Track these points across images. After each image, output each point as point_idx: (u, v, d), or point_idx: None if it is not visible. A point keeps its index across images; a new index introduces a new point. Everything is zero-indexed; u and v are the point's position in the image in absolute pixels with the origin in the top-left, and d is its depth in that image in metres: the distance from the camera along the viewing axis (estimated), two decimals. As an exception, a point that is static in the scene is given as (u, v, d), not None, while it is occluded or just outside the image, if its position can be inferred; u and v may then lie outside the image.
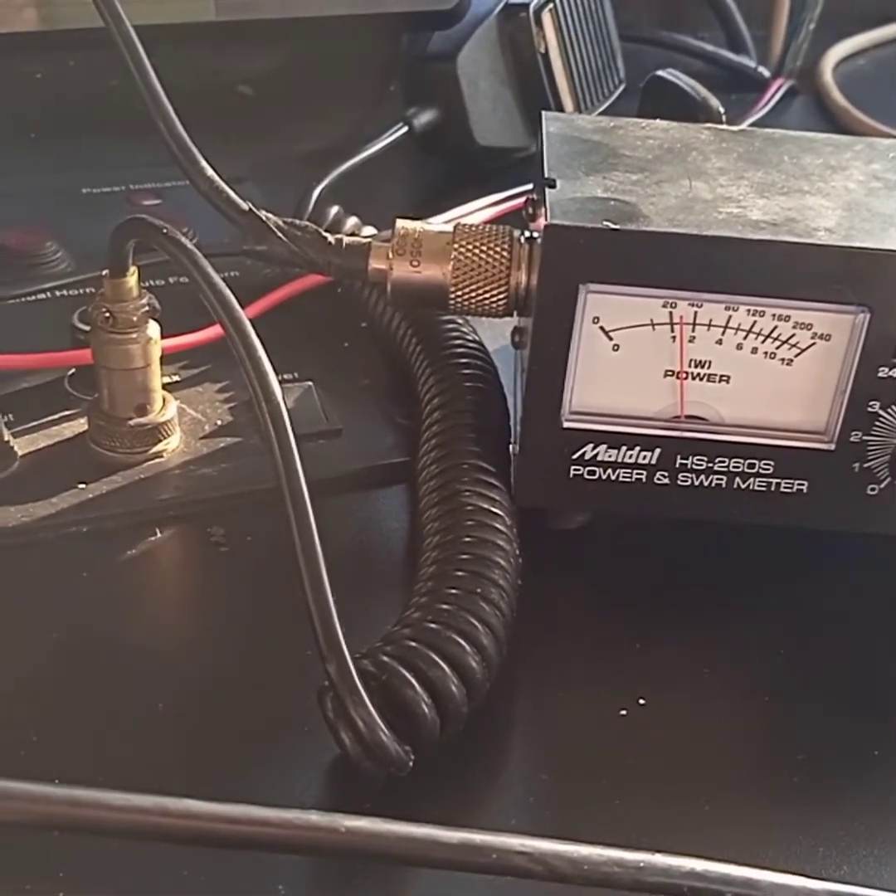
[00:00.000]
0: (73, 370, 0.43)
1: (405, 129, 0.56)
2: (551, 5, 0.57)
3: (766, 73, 0.70)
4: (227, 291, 0.34)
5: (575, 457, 0.36)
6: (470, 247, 0.37)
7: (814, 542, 0.39)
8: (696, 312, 0.34)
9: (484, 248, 0.37)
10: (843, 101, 0.69)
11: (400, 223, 0.38)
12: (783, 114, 0.68)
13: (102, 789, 0.23)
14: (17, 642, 0.34)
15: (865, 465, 0.36)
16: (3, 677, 0.33)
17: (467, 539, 0.34)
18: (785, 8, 0.70)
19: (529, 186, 0.45)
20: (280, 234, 0.39)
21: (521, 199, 0.48)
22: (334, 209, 0.49)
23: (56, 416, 0.42)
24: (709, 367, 0.35)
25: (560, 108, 0.58)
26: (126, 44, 0.41)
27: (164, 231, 0.36)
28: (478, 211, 0.51)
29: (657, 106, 0.50)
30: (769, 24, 0.71)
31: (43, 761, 0.31)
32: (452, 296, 0.37)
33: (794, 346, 0.34)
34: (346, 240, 0.39)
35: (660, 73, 0.52)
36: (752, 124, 0.63)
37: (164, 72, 0.41)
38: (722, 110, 0.50)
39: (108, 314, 0.39)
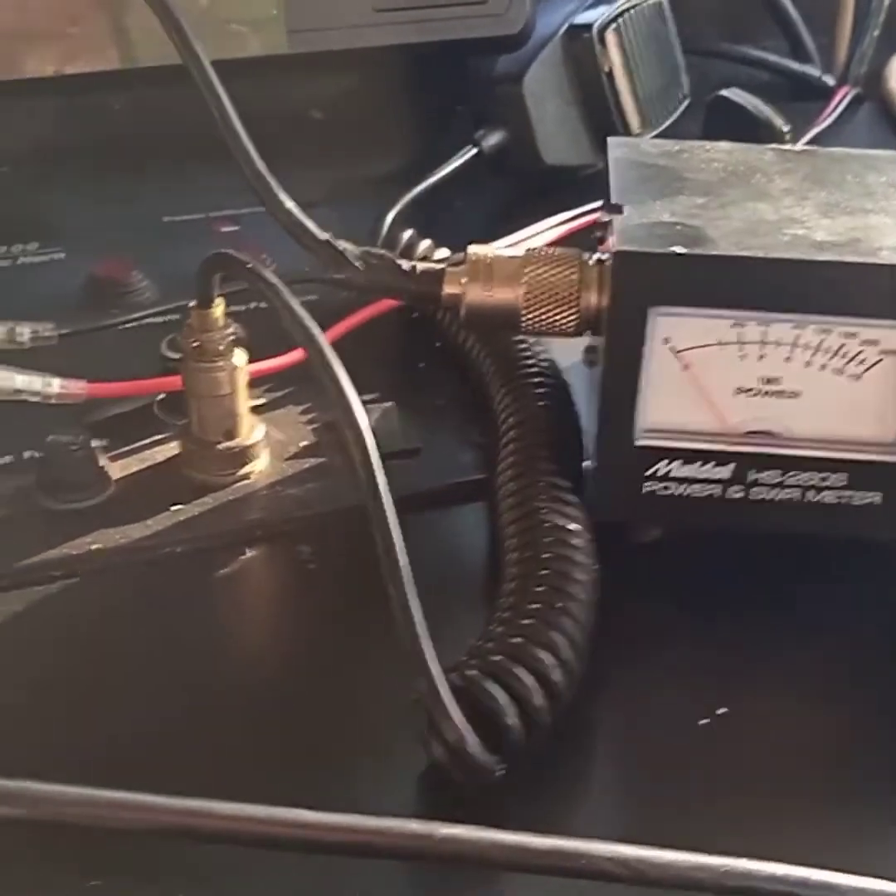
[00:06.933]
0: (162, 395, 0.44)
1: (474, 151, 0.57)
2: (615, 25, 0.58)
3: (830, 81, 0.70)
4: (311, 322, 0.35)
5: (648, 473, 0.37)
6: (541, 270, 0.38)
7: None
8: (764, 332, 0.35)
9: (554, 271, 0.38)
10: (908, 107, 0.69)
11: (471, 249, 0.39)
12: (849, 122, 0.67)
13: (213, 800, 0.24)
14: (120, 657, 0.36)
15: (936, 476, 0.36)
16: (103, 692, 0.35)
17: (547, 555, 0.35)
18: (849, 15, 0.70)
19: (596, 204, 0.46)
20: (356, 264, 0.40)
21: (589, 218, 0.49)
22: (408, 232, 0.50)
23: (147, 441, 0.43)
24: (779, 384, 0.35)
25: (626, 126, 0.59)
26: (205, 85, 0.43)
27: (249, 265, 0.37)
28: (547, 230, 0.52)
29: (721, 124, 0.50)
30: (833, 32, 0.71)
31: (147, 771, 0.32)
32: (525, 318, 0.38)
33: (861, 362, 0.35)
34: (420, 266, 0.40)
35: (723, 92, 0.53)
36: (819, 133, 0.63)
37: (239, 99, 0.42)
38: (786, 129, 0.50)
39: (196, 343, 0.40)
